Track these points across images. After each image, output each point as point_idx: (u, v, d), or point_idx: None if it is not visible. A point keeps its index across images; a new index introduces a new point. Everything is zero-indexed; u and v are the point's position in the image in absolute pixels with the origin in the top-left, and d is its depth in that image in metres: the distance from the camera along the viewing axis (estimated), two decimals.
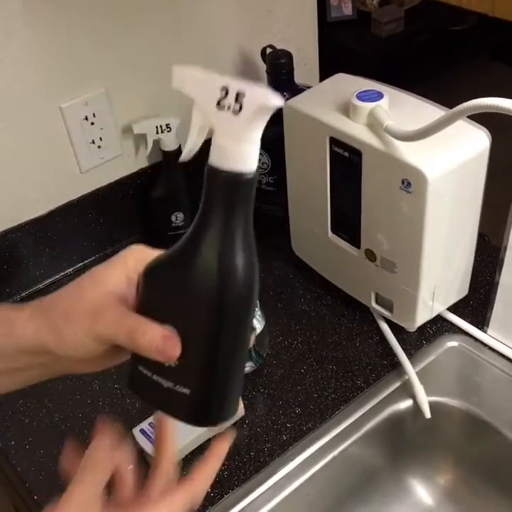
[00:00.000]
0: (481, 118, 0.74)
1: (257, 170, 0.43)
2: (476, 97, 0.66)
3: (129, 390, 0.48)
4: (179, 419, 0.47)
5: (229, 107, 0.40)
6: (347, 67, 0.95)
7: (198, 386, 0.44)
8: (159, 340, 0.43)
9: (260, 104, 0.39)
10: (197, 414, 0.46)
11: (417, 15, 2.64)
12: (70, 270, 1.07)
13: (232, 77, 0.40)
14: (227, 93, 0.40)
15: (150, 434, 0.79)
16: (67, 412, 0.86)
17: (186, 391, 0.44)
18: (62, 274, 1.06)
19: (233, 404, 0.47)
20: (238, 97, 0.40)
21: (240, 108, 0.40)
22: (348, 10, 2.81)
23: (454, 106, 0.69)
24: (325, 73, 1.10)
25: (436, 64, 2.59)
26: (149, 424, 0.80)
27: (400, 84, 0.88)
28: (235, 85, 0.40)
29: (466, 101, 0.67)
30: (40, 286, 1.05)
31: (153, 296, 0.45)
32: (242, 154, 0.41)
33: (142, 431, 0.80)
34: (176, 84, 0.43)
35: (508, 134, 0.66)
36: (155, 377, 0.45)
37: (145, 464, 0.79)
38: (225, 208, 0.42)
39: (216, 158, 0.41)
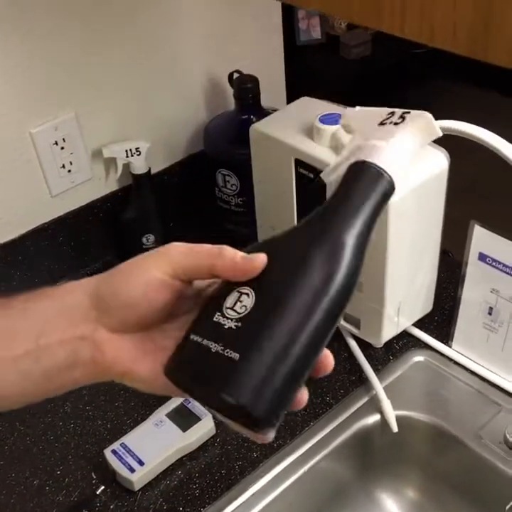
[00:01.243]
0: (445, 137, 0.77)
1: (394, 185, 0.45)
2: (439, 118, 0.69)
3: (167, 375, 0.43)
4: (210, 383, 0.40)
5: (391, 122, 0.44)
6: (316, 89, 0.97)
7: (250, 354, 0.39)
8: (239, 257, 0.42)
9: (424, 117, 0.43)
10: (234, 383, 0.39)
11: (383, 38, 2.71)
12: None
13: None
14: (392, 115, 0.44)
15: (121, 455, 0.80)
16: (39, 434, 0.86)
17: (235, 356, 0.39)
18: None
19: (282, 405, 0.40)
20: (403, 114, 0.44)
21: (403, 120, 0.44)
22: (316, 34, 2.87)
23: None
24: (295, 96, 1.13)
25: (402, 85, 2.65)
26: (121, 444, 0.81)
27: (368, 105, 0.90)
28: (401, 110, 0.45)
29: None
30: None
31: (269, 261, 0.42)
32: (392, 156, 0.44)
33: (114, 452, 0.80)
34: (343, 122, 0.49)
35: (473, 153, 0.69)
36: (205, 341, 0.41)
37: (118, 485, 0.80)
38: (370, 198, 0.43)
39: (370, 157, 0.43)
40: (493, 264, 0.82)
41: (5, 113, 0.95)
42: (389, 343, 0.93)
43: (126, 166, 1.07)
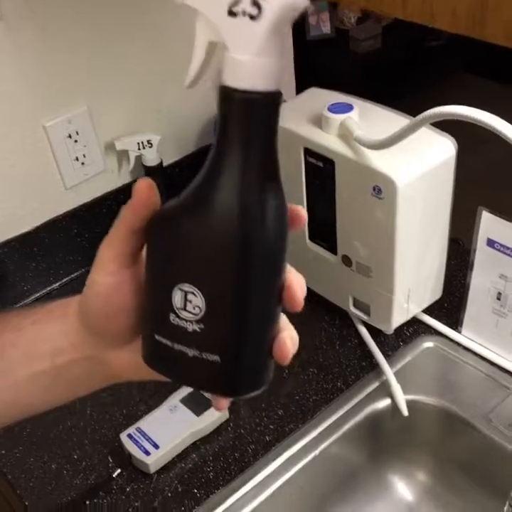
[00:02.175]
0: (461, 130, 0.77)
1: (280, 89, 0.35)
2: None
3: (146, 364, 0.42)
4: (209, 390, 0.42)
5: (244, 13, 0.33)
6: (327, 83, 0.98)
7: (229, 350, 0.39)
8: (130, 201, 0.40)
9: (283, 3, 0.33)
10: (229, 383, 0.40)
11: (393, 31, 2.71)
12: (56, 285, 1.10)
13: None
14: None
15: (137, 439, 0.81)
16: (56, 420, 0.88)
17: (215, 358, 0.38)
18: (48, 288, 1.09)
19: (268, 371, 0.41)
20: None
21: (259, 11, 0.33)
22: (326, 28, 2.88)
23: None
24: (306, 87, 1.14)
25: (413, 78, 2.65)
26: (136, 429, 0.82)
27: (378, 98, 0.91)
28: None
29: None
30: (27, 301, 1.07)
31: (165, 251, 0.39)
32: (264, 68, 0.34)
33: (130, 436, 0.82)
34: None
35: (486, 144, 0.69)
36: (177, 346, 0.39)
37: (134, 468, 0.82)
38: (245, 136, 0.36)
39: (231, 77, 0.35)
40: (502, 249, 0.83)
41: (19, 107, 0.97)
42: (399, 329, 0.94)
43: (139, 159, 1.09)
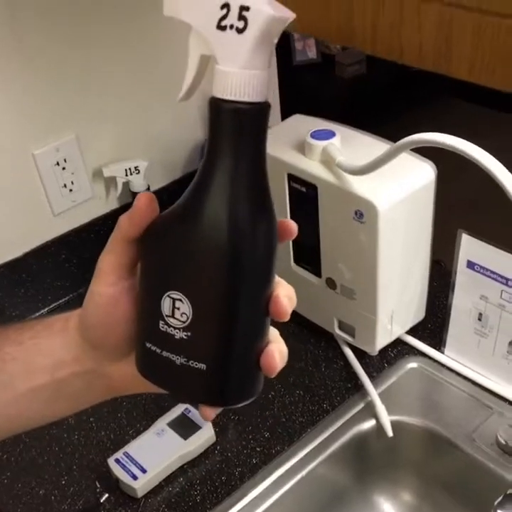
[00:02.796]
0: (444, 153, 0.78)
1: (267, 100, 0.37)
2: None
3: (139, 373, 0.43)
4: (195, 400, 0.43)
5: (232, 26, 0.34)
6: (313, 108, 1.00)
7: (215, 358, 0.39)
8: (128, 213, 0.41)
9: (268, 17, 0.34)
10: (216, 393, 0.41)
11: (378, 58, 2.75)
12: (45, 310, 1.11)
13: None
14: (228, 11, 0.34)
15: (124, 464, 0.82)
16: (44, 446, 0.89)
17: (202, 366, 0.39)
18: (37, 314, 1.10)
19: (255, 382, 0.42)
20: (242, 12, 0.34)
21: (245, 25, 0.34)
22: (312, 53, 2.93)
23: None
24: (291, 114, 1.16)
25: (398, 103, 2.69)
26: (123, 453, 0.83)
27: (363, 123, 0.93)
28: (237, 4, 0.34)
29: None
30: None
31: (156, 261, 0.40)
32: (251, 79, 0.35)
33: (117, 460, 0.82)
34: (167, 11, 0.37)
35: (469, 168, 0.70)
36: (165, 353, 0.40)
37: (121, 493, 0.82)
38: (234, 146, 0.37)
39: (220, 88, 0.36)
40: (481, 271, 0.85)
41: (8, 135, 0.98)
42: (383, 351, 0.95)
43: (126, 185, 1.11)
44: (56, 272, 1.10)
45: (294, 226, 0.43)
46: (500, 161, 0.63)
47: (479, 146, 0.65)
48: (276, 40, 0.36)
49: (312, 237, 0.91)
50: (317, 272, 0.94)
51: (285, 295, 0.41)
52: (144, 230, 0.42)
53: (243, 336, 0.40)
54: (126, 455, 0.83)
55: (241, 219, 0.38)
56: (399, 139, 0.87)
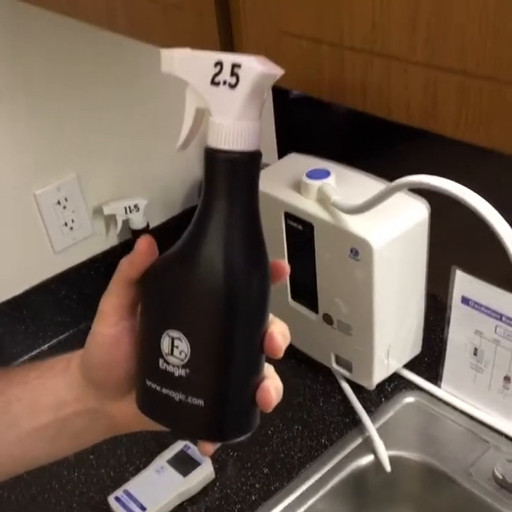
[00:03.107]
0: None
1: (259, 149, 0.39)
2: (432, 174, 0.73)
3: (140, 410, 0.45)
4: (194, 436, 0.44)
5: (224, 82, 0.37)
6: (309, 141, 1.03)
7: (213, 394, 0.41)
8: (130, 256, 0.43)
9: (258, 73, 0.37)
10: (213, 428, 0.42)
11: None
12: (45, 347, 1.12)
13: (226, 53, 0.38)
14: (221, 68, 0.37)
15: (125, 502, 0.82)
16: (44, 483, 0.89)
17: (200, 402, 0.41)
18: (37, 350, 1.11)
19: (251, 417, 0.43)
20: (233, 69, 0.37)
21: (237, 81, 0.37)
22: None
23: None
24: (288, 148, 1.18)
25: (395, 137, 2.72)
26: (123, 491, 0.83)
27: (360, 157, 0.96)
28: (229, 58, 0.37)
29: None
30: (17, 362, 1.09)
31: (156, 301, 0.42)
32: (243, 130, 0.38)
33: (117, 498, 0.83)
34: (164, 68, 0.40)
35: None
36: (164, 390, 0.42)
37: None
38: (228, 193, 0.39)
39: (214, 139, 0.38)
40: (476, 306, 0.86)
41: (10, 175, 1.00)
42: (381, 385, 0.96)
43: (126, 222, 1.12)
44: (56, 308, 1.11)
45: (285, 267, 0.45)
46: (494, 191, 0.65)
47: (474, 181, 0.67)
48: (266, 94, 0.38)
49: (309, 273, 0.93)
50: (314, 308, 0.96)
51: (279, 332, 0.43)
52: (143, 272, 0.44)
53: (239, 372, 0.42)
54: (126, 493, 0.83)
55: (236, 263, 0.40)
56: (395, 174, 0.90)
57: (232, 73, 0.37)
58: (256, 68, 0.37)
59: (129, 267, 0.45)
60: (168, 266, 0.42)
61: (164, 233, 1.23)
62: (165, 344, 0.42)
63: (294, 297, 0.99)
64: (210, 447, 0.45)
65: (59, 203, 1.06)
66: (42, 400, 0.48)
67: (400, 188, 0.76)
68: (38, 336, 1.11)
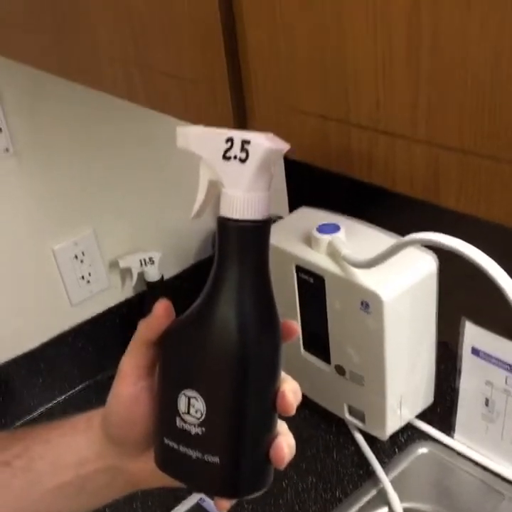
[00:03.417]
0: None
1: (269, 217, 0.42)
2: (439, 220, 0.74)
3: (158, 467, 0.46)
4: (211, 492, 0.46)
5: (235, 157, 0.40)
6: (319, 194, 1.05)
7: (228, 452, 0.43)
8: (147, 319, 0.46)
9: (265, 149, 0.40)
10: (229, 484, 0.44)
11: None
12: (61, 398, 1.13)
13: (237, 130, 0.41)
14: (232, 144, 0.40)
15: None
16: None
17: (215, 460, 0.42)
18: (54, 402, 1.12)
19: (266, 473, 0.45)
20: (243, 145, 0.40)
21: (247, 156, 0.40)
22: None
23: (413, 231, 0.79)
24: (298, 200, 1.20)
25: None
26: None
27: (371, 206, 0.98)
28: (239, 135, 0.40)
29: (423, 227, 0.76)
30: (34, 415, 1.10)
31: (173, 362, 0.44)
32: (253, 201, 0.41)
33: None
34: (180, 144, 0.44)
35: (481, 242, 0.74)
36: (182, 448, 0.43)
37: None
38: (240, 259, 0.41)
39: (227, 209, 0.41)
40: (486, 358, 0.87)
41: (29, 232, 1.04)
42: (394, 436, 0.96)
43: (141, 274, 1.15)
44: (73, 360, 1.13)
45: (296, 327, 0.47)
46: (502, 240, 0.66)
47: (482, 228, 0.69)
48: (273, 168, 0.42)
49: (321, 324, 0.95)
50: (326, 359, 0.97)
51: (290, 390, 0.45)
52: (161, 334, 0.46)
53: (253, 430, 0.43)
54: None
55: (248, 326, 0.42)
56: (405, 225, 0.91)
57: (242, 149, 0.40)
58: (264, 144, 0.40)
59: (146, 330, 0.47)
60: (184, 329, 0.44)
61: (178, 284, 1.26)
62: (182, 403, 0.43)
63: (306, 348, 1.00)
64: (227, 503, 0.46)
65: (76, 257, 1.09)
66: (64, 458, 0.50)
67: (409, 244, 0.78)
68: (55, 388, 1.12)
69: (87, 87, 0.68)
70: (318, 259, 0.91)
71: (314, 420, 1.01)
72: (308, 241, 0.94)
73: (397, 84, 0.42)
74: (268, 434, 0.44)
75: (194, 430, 0.43)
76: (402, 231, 0.90)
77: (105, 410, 0.49)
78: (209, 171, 0.43)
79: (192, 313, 0.44)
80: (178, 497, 0.90)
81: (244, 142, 0.40)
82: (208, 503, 0.87)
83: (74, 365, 1.14)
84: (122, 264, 1.13)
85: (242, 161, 0.40)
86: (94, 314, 1.14)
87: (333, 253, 0.90)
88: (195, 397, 0.43)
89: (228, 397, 0.42)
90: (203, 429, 0.42)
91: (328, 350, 0.96)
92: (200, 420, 0.43)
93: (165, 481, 0.48)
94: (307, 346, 1.00)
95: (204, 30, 0.51)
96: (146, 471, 0.49)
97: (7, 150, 0.97)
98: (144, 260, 1.13)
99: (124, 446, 0.49)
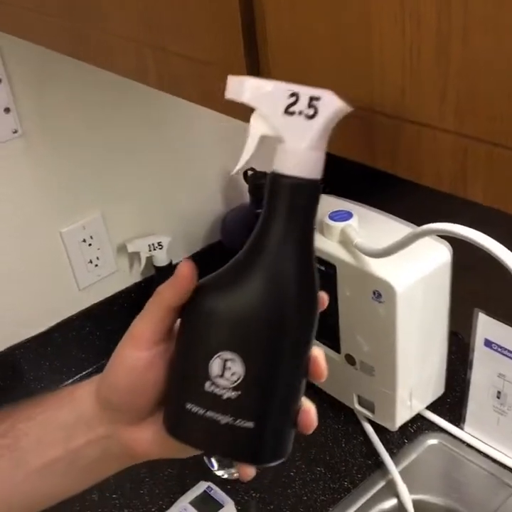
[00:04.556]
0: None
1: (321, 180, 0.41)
2: (453, 208, 0.73)
3: (171, 435, 0.44)
4: (237, 458, 0.44)
5: (301, 112, 0.39)
6: (330, 181, 1.03)
7: (263, 417, 0.42)
8: (170, 281, 0.43)
9: (337, 107, 0.39)
10: (257, 450, 0.43)
11: None
12: (69, 382, 1.13)
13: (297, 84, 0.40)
14: (297, 99, 0.39)
15: None
16: None
17: (249, 425, 0.41)
18: (61, 386, 1.12)
19: (290, 441, 0.44)
20: (311, 101, 0.39)
21: (315, 112, 0.39)
22: None
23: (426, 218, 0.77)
24: None
25: None
26: None
27: (384, 196, 0.96)
28: (305, 90, 0.39)
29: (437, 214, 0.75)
30: None
31: (204, 325, 0.43)
32: (314, 159, 0.40)
33: None
34: (230, 94, 0.42)
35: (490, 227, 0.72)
36: (209, 413, 0.42)
37: None
38: (290, 217, 0.40)
39: (285, 165, 0.40)
40: (499, 350, 0.86)
41: (37, 215, 1.02)
42: (403, 427, 0.96)
43: (149, 259, 1.14)
44: (80, 344, 1.13)
45: (326, 297, 0.46)
46: None
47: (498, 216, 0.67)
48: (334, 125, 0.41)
49: (331, 313, 0.93)
50: (336, 348, 0.96)
51: (322, 358, 0.45)
52: (188, 296, 0.44)
53: (288, 394, 0.43)
54: None
55: (294, 286, 0.41)
56: (420, 212, 0.89)
57: (310, 105, 0.39)
58: (336, 102, 0.39)
59: (172, 294, 0.44)
60: (220, 289, 0.42)
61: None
62: (215, 366, 0.42)
63: (316, 337, 0.99)
64: (252, 470, 0.45)
65: (84, 240, 1.07)
66: (51, 433, 0.48)
67: (424, 235, 0.77)
68: (62, 372, 1.12)
69: (99, 67, 0.66)
70: (330, 247, 0.90)
71: (323, 410, 1.01)
72: (320, 228, 0.92)
73: (424, 73, 0.40)
74: (299, 399, 0.44)
75: (227, 394, 0.41)
76: (414, 218, 0.88)
77: (107, 375, 0.46)
78: (263, 125, 0.41)
79: (229, 272, 0.42)
80: (185, 484, 0.89)
81: (313, 98, 0.39)
82: (216, 491, 0.87)
83: (81, 350, 1.13)
84: (130, 248, 1.12)
85: (309, 117, 0.39)
86: (101, 299, 1.13)
87: (346, 241, 0.89)
88: (232, 360, 0.41)
89: (268, 360, 0.41)
90: (238, 392, 0.41)
91: (338, 340, 0.95)
92: (236, 383, 0.41)
93: (165, 451, 0.46)
94: (317, 335, 0.98)
95: (220, 9, 0.50)
96: (142, 442, 0.47)
97: (15, 131, 0.96)
98: (153, 245, 1.12)
99: (122, 413, 0.46)
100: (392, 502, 0.87)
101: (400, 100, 0.42)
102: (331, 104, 0.39)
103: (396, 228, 0.88)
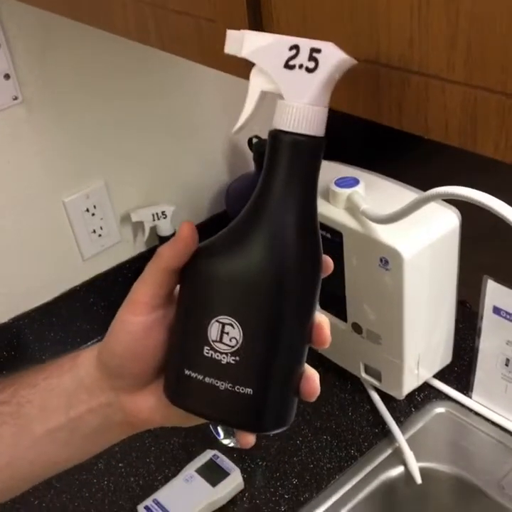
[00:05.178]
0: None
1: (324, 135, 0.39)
2: (459, 176, 0.71)
3: (171, 401, 0.43)
4: (237, 425, 0.43)
5: (301, 66, 0.37)
6: (336, 148, 1.01)
7: (263, 383, 0.40)
8: (171, 243, 0.42)
9: (339, 59, 0.37)
10: (258, 417, 0.41)
11: None
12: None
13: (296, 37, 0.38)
14: (298, 52, 0.37)
15: (154, 511, 0.83)
16: (74, 491, 0.90)
17: (248, 391, 0.40)
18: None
19: (292, 409, 0.43)
20: (312, 53, 0.37)
21: (316, 65, 0.37)
22: None
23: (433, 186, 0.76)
24: None
25: (425, 143, 2.70)
26: (153, 500, 0.84)
27: (390, 164, 0.94)
28: (306, 42, 0.37)
29: (444, 183, 0.73)
30: None
31: (204, 287, 0.41)
32: (315, 115, 0.38)
33: (147, 508, 0.83)
34: (230, 49, 0.40)
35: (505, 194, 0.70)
36: (208, 379, 0.40)
37: None
38: (292, 175, 0.39)
39: (285, 122, 0.38)
40: (508, 317, 0.85)
41: (39, 184, 1.01)
42: (410, 395, 0.95)
43: (153, 229, 1.13)
44: (85, 315, 1.12)
45: (331, 262, 0.45)
46: None
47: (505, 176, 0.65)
48: (337, 79, 0.38)
49: (337, 282, 0.92)
50: (343, 317, 0.95)
51: (326, 323, 0.44)
52: (188, 259, 0.43)
53: (289, 361, 0.41)
54: (156, 502, 0.83)
55: (295, 249, 0.40)
56: (426, 179, 0.88)
57: (311, 58, 0.37)
58: (337, 53, 0.37)
59: (172, 256, 0.43)
60: (220, 251, 0.41)
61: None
62: (213, 331, 0.40)
63: (322, 306, 0.97)
64: (252, 438, 0.44)
65: (88, 210, 1.06)
66: (53, 400, 0.47)
67: (432, 199, 0.75)
68: (67, 343, 1.11)
69: (98, 28, 0.65)
70: (336, 214, 0.88)
71: (329, 378, 1.00)
72: (326, 195, 0.91)
73: (433, 21, 0.38)
74: (301, 366, 0.42)
75: (226, 359, 0.40)
76: (422, 185, 0.87)
77: (107, 340, 0.45)
78: (263, 80, 0.39)
79: (228, 234, 0.41)
80: (191, 452, 0.89)
81: (314, 50, 0.37)
82: (222, 459, 0.86)
83: (86, 320, 1.12)
84: (134, 218, 1.11)
85: (310, 70, 0.37)
86: (105, 269, 1.13)
87: (352, 208, 0.87)
88: (231, 324, 0.40)
89: (268, 325, 0.40)
90: (237, 358, 0.40)
91: (345, 308, 0.94)
92: (234, 349, 0.40)
93: (168, 419, 0.46)
94: (323, 304, 0.97)
95: None
96: (144, 409, 0.46)
97: (16, 98, 0.94)
98: (157, 214, 1.11)
99: (123, 379, 0.46)
100: (399, 470, 0.86)
101: (408, 51, 0.40)
102: (333, 56, 0.37)
103: (404, 194, 0.87)
